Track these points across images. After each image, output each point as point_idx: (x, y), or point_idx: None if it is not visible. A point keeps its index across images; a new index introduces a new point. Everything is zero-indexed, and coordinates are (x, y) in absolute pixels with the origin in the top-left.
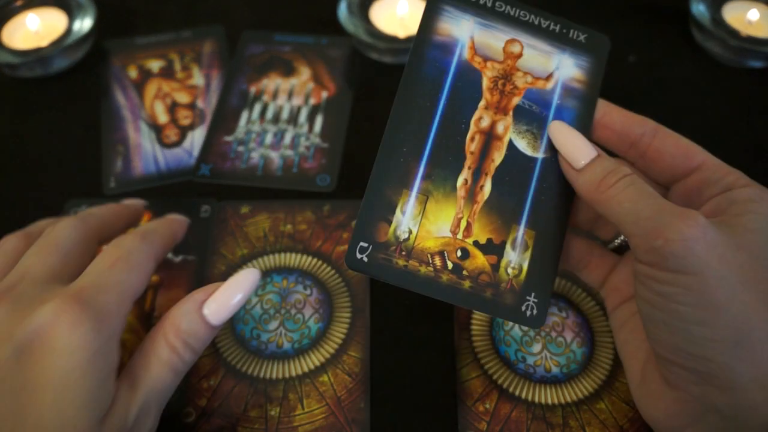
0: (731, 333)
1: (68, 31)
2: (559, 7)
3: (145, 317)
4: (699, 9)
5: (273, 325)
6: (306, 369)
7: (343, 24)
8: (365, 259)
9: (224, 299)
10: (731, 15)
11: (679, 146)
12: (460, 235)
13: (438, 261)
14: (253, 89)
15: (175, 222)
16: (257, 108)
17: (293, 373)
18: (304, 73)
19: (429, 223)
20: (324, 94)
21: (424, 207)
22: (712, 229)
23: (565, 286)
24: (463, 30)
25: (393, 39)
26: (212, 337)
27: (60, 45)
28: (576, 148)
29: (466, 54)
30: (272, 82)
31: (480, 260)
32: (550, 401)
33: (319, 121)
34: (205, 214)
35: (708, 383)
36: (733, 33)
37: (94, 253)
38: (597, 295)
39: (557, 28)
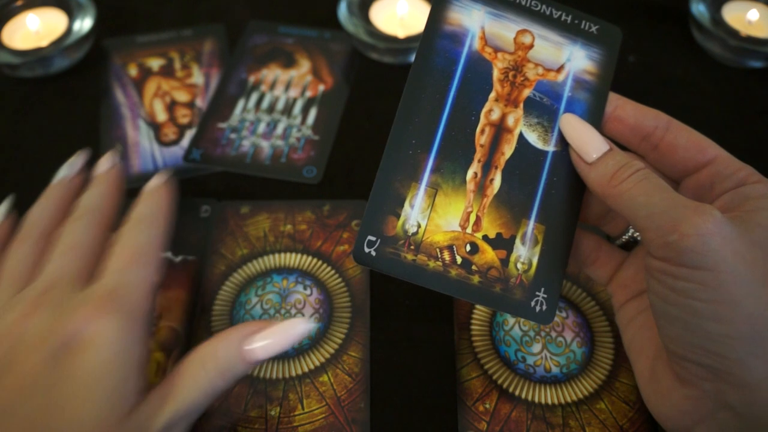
0: (747, 329)
1: (68, 31)
2: None
3: None
4: (699, 9)
5: None
6: (306, 369)
7: (343, 24)
8: (373, 253)
9: (268, 343)
10: (731, 15)
11: (691, 140)
12: (469, 230)
13: (447, 255)
14: (251, 78)
15: (158, 193)
16: (254, 97)
17: (293, 373)
18: (304, 66)
19: (438, 217)
20: (321, 88)
21: (433, 200)
22: (728, 224)
23: (565, 286)
24: (473, 20)
25: (393, 39)
26: (247, 371)
27: (60, 45)
28: (587, 142)
29: (477, 44)
30: (271, 73)
31: (489, 255)
32: (550, 401)
33: (312, 113)
34: (205, 214)
35: (722, 380)
36: (733, 33)
37: (107, 243)
38: (597, 296)
39: (569, 19)
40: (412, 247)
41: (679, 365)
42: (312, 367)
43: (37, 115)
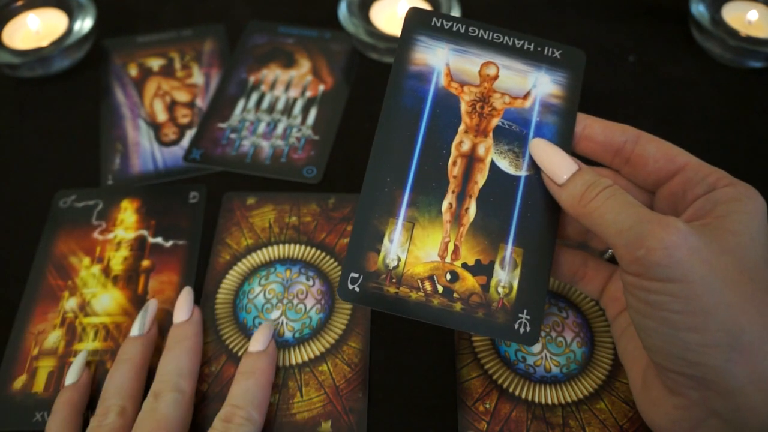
0: (722, 337)
1: (68, 31)
2: (559, 9)
3: (137, 300)
4: (699, 9)
5: (275, 315)
6: (306, 358)
7: (343, 24)
8: (357, 289)
9: None
10: (731, 15)
11: (660, 150)
12: (448, 259)
13: (428, 285)
14: (252, 79)
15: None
16: (254, 97)
17: (293, 362)
18: (304, 66)
19: (417, 249)
20: (321, 88)
21: (411, 234)
22: (693, 234)
23: (566, 287)
24: (438, 58)
25: (393, 39)
26: None
27: (60, 45)
28: (557, 164)
29: (443, 81)
30: (272, 73)
31: (470, 282)
32: (550, 401)
33: (312, 113)
34: (194, 200)
35: (706, 388)
36: (733, 33)
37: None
38: None
39: (532, 47)
40: (393, 280)
41: (665, 375)
42: (312, 356)
43: (37, 115)
